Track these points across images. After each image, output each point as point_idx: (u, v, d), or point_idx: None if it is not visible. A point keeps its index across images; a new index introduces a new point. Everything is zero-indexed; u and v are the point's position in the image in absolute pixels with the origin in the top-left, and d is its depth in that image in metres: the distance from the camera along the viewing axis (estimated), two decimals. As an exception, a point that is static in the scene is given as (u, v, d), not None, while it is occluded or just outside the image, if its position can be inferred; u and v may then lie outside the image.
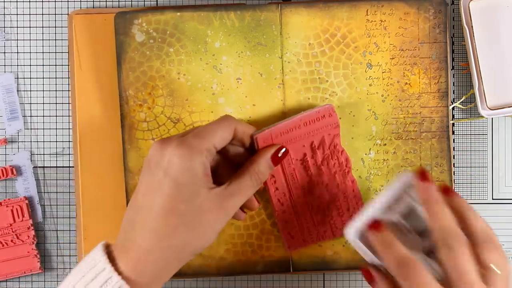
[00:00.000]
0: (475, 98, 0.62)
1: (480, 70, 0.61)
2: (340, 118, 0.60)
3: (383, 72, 0.61)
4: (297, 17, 0.61)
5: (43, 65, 0.64)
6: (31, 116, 0.64)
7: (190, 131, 0.53)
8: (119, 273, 0.49)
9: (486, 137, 0.64)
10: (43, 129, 0.64)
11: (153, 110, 0.62)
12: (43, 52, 0.64)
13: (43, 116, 0.64)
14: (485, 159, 0.64)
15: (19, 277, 0.64)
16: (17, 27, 0.64)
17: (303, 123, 0.58)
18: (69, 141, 0.64)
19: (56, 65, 0.64)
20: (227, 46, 0.61)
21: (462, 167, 0.64)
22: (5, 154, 0.64)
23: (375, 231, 0.52)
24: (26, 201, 0.63)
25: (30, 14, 0.64)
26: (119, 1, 0.64)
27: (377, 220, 0.53)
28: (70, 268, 0.64)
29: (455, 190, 0.63)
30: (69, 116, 0.64)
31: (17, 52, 0.64)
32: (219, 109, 0.61)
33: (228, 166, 0.57)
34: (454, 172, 0.64)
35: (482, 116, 0.62)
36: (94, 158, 0.63)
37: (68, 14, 0.64)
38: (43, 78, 0.64)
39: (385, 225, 0.53)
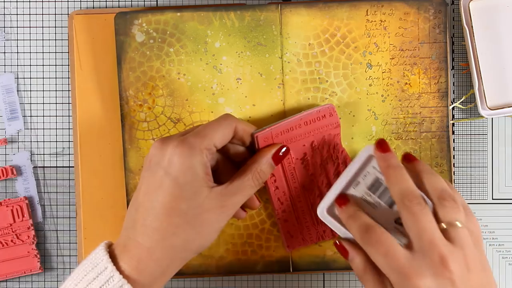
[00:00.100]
0: (475, 98, 0.62)
1: (480, 70, 0.61)
2: (340, 118, 0.60)
3: (383, 72, 0.61)
4: (297, 17, 0.61)
5: (43, 65, 0.64)
6: (31, 116, 0.64)
7: (190, 130, 0.53)
8: (121, 272, 0.49)
9: (486, 137, 0.64)
10: (43, 129, 0.64)
11: (153, 110, 0.62)
12: (43, 52, 0.64)
13: (43, 116, 0.64)
14: (485, 159, 0.64)
15: (19, 277, 0.64)
16: (17, 27, 0.64)
17: (304, 122, 0.58)
18: (69, 141, 0.64)
19: (56, 65, 0.64)
20: (227, 46, 0.61)
21: (462, 167, 0.64)
22: (5, 154, 0.64)
23: (340, 205, 0.54)
24: (26, 201, 0.63)
25: (30, 14, 0.64)
26: (119, 1, 0.64)
27: (342, 194, 0.55)
28: (70, 268, 0.64)
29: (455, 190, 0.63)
30: (69, 116, 0.64)
31: (17, 52, 0.64)
32: (219, 109, 0.61)
33: (228, 165, 0.57)
34: (454, 172, 0.64)
35: (482, 116, 0.62)
36: (94, 158, 0.63)
37: (68, 14, 0.64)
38: (43, 78, 0.64)
39: (351, 199, 0.55)
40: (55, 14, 0.64)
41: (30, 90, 0.64)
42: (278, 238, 0.62)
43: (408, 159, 0.55)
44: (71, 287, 0.49)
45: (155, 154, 0.51)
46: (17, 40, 0.64)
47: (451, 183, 0.61)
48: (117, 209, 0.63)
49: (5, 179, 0.64)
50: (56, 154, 0.64)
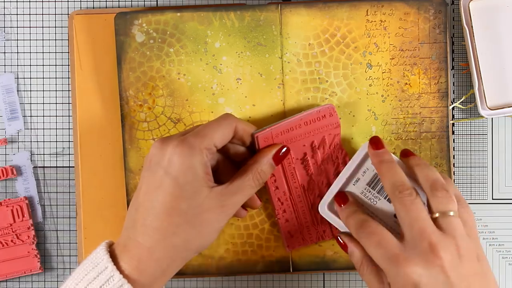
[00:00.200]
0: (475, 98, 0.62)
1: (480, 70, 0.61)
2: (340, 118, 0.60)
3: (383, 72, 0.61)
4: (297, 17, 0.61)
5: (43, 65, 0.64)
6: (31, 116, 0.64)
7: (190, 130, 0.53)
8: (121, 272, 0.49)
9: (486, 137, 0.64)
10: (43, 129, 0.64)
11: (154, 110, 0.62)
12: (43, 52, 0.64)
13: (43, 116, 0.64)
14: (485, 159, 0.64)
15: (19, 277, 0.64)
16: (17, 27, 0.64)
17: (304, 122, 0.58)
18: (69, 141, 0.64)
19: (56, 65, 0.64)
20: (227, 46, 0.61)
21: (462, 167, 0.64)
22: (5, 154, 0.64)
23: (339, 204, 0.56)
24: (26, 201, 0.63)
25: (30, 14, 0.64)
26: (119, 1, 0.64)
27: (341, 193, 0.57)
28: (70, 268, 0.64)
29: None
30: (69, 116, 0.64)
31: (17, 52, 0.64)
32: (219, 109, 0.62)
33: (228, 165, 0.57)
34: (454, 172, 0.64)
35: (482, 116, 0.62)
36: (94, 158, 0.63)
37: (68, 14, 0.64)
38: (43, 78, 0.64)
39: (351, 197, 0.56)
40: (55, 14, 0.64)
41: (30, 90, 0.64)
42: (278, 238, 0.62)
43: (405, 154, 0.56)
44: (72, 286, 0.50)
45: (155, 154, 0.52)
46: (17, 40, 0.64)
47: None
48: (117, 209, 0.63)
49: (5, 179, 0.64)
50: (56, 154, 0.64)
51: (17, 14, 0.64)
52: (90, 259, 0.50)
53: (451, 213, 0.50)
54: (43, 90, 0.64)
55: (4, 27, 0.64)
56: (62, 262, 0.64)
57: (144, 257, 0.50)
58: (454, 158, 0.64)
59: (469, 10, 0.61)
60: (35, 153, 0.64)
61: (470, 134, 0.64)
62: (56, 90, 0.64)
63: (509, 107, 0.61)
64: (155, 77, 0.61)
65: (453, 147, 0.64)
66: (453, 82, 0.64)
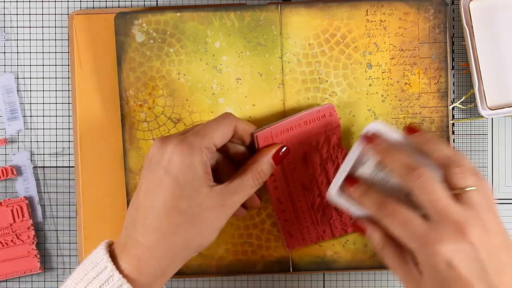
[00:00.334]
0: (475, 98, 0.62)
1: (480, 70, 0.61)
2: (339, 118, 0.60)
3: (383, 72, 0.61)
4: (297, 17, 0.61)
5: (43, 65, 0.64)
6: (31, 116, 0.64)
7: (190, 129, 0.53)
8: (121, 271, 0.49)
9: (486, 137, 0.64)
10: (43, 129, 0.64)
11: (154, 110, 0.62)
12: (43, 52, 0.64)
13: (43, 116, 0.64)
14: (485, 159, 0.64)
15: (19, 277, 0.64)
16: (17, 27, 0.64)
17: (304, 122, 0.58)
18: (69, 141, 0.64)
19: (56, 65, 0.64)
20: (227, 46, 0.61)
21: (462, 167, 0.64)
22: (5, 154, 0.64)
23: (351, 185, 0.54)
24: (26, 201, 0.63)
25: (30, 14, 0.64)
26: (119, 1, 0.64)
27: (349, 177, 0.55)
28: (70, 268, 0.64)
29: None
30: (69, 116, 0.64)
31: (17, 52, 0.64)
32: (219, 109, 0.62)
33: (228, 164, 0.57)
34: (454, 172, 0.64)
35: (482, 116, 0.62)
36: (94, 158, 0.63)
37: (68, 14, 0.64)
38: (43, 78, 0.64)
39: (360, 179, 0.55)
40: (55, 14, 0.64)
41: (30, 90, 0.64)
42: (278, 238, 0.62)
43: (410, 130, 0.55)
44: (72, 286, 0.49)
45: (155, 153, 0.52)
46: (17, 40, 0.64)
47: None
48: (117, 209, 0.63)
49: (5, 179, 0.64)
50: (56, 154, 0.64)
51: (17, 14, 0.64)
52: (90, 259, 0.50)
53: (471, 188, 0.49)
54: (43, 90, 0.64)
55: (4, 27, 0.64)
56: (62, 262, 0.64)
57: (144, 256, 0.50)
58: (454, 158, 0.64)
59: (469, 10, 0.61)
60: (35, 153, 0.64)
61: (470, 134, 0.64)
62: (56, 90, 0.64)
63: (509, 107, 0.61)
64: (155, 77, 0.62)
65: (453, 147, 0.64)
66: (453, 82, 0.64)
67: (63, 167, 0.64)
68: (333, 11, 0.61)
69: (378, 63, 0.61)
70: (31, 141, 0.64)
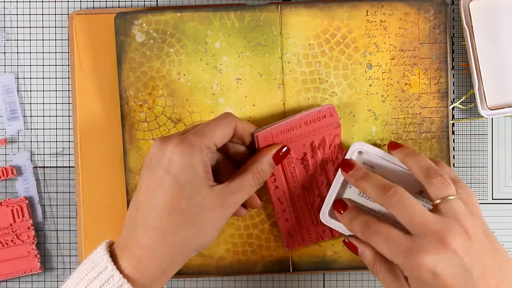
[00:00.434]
0: (475, 98, 0.62)
1: (480, 70, 0.61)
2: (340, 118, 0.60)
3: (383, 73, 0.61)
4: (297, 17, 0.61)
5: (43, 65, 0.64)
6: (31, 116, 0.64)
7: (190, 129, 0.53)
8: (121, 271, 0.49)
9: (486, 137, 0.64)
10: (43, 129, 0.64)
11: (154, 110, 0.62)
12: (43, 52, 0.64)
13: (43, 116, 0.64)
14: (485, 159, 0.64)
15: (19, 277, 0.64)
16: (17, 27, 0.64)
17: (304, 122, 0.58)
18: (69, 141, 0.64)
19: (56, 65, 0.64)
20: (227, 47, 0.61)
21: (462, 167, 0.64)
22: (5, 154, 0.64)
23: (339, 211, 0.57)
24: (26, 201, 0.63)
25: (30, 14, 0.64)
26: (119, 1, 0.64)
27: (339, 201, 0.57)
28: (70, 268, 0.64)
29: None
30: (69, 116, 0.64)
31: (17, 52, 0.64)
32: (219, 109, 0.62)
33: (228, 164, 0.57)
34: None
35: (482, 116, 0.62)
36: (94, 158, 0.63)
37: (68, 14, 0.64)
38: (43, 78, 0.64)
39: (349, 202, 0.57)
40: (55, 14, 0.64)
41: (30, 90, 0.64)
42: (278, 238, 0.62)
43: (393, 146, 0.57)
44: (72, 286, 0.50)
45: (155, 153, 0.52)
46: (17, 40, 0.64)
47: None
48: (117, 209, 0.63)
49: (5, 179, 0.64)
50: (56, 154, 0.64)
51: (17, 14, 0.64)
52: (90, 259, 0.50)
53: (451, 197, 0.51)
54: (43, 90, 0.64)
55: (4, 27, 0.64)
56: (62, 262, 0.64)
57: (145, 256, 0.50)
58: (454, 158, 0.64)
59: (469, 10, 0.61)
60: (35, 153, 0.64)
61: (470, 134, 0.64)
62: (56, 90, 0.64)
63: (509, 107, 0.61)
64: (155, 77, 0.62)
65: (453, 147, 0.64)
66: (453, 82, 0.64)
67: (63, 167, 0.64)
68: (333, 11, 0.61)
69: (378, 63, 0.61)
70: (31, 141, 0.64)
